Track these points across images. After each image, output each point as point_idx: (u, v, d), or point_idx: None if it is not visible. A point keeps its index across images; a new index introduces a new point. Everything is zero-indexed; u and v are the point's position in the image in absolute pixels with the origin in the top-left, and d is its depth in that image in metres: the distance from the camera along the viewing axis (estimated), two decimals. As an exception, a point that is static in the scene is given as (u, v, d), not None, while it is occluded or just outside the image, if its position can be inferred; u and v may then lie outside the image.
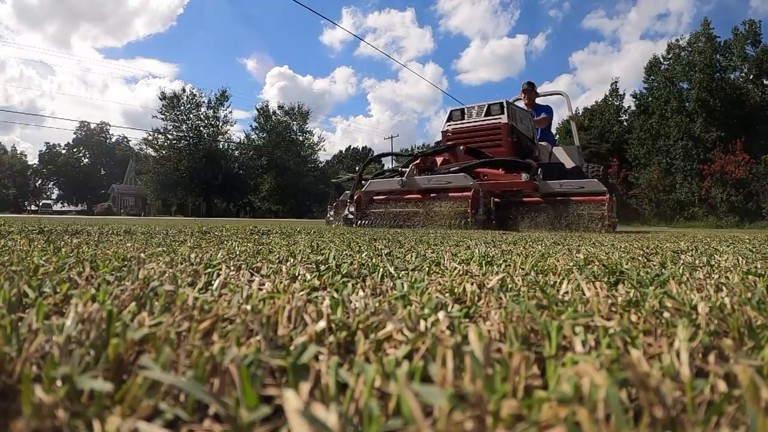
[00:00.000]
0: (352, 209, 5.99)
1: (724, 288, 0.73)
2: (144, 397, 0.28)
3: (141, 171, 37.91)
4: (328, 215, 6.91)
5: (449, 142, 6.26)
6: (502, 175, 5.67)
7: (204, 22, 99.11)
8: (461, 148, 6.06)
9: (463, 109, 6.45)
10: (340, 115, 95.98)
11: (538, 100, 7.44)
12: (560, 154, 7.19)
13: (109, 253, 1.12)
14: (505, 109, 5.98)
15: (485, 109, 6.18)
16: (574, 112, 8.48)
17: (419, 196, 5.60)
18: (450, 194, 5.25)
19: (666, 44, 26.55)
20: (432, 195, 5.47)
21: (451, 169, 5.62)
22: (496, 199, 5.79)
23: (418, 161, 6.08)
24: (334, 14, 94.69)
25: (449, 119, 6.55)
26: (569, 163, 6.96)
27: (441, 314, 0.48)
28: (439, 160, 6.05)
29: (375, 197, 6.09)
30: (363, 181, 6.18)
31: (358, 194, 6.05)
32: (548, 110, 7.23)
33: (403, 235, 2.58)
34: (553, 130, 8.51)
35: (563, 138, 19.96)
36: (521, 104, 7.18)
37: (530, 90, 7.31)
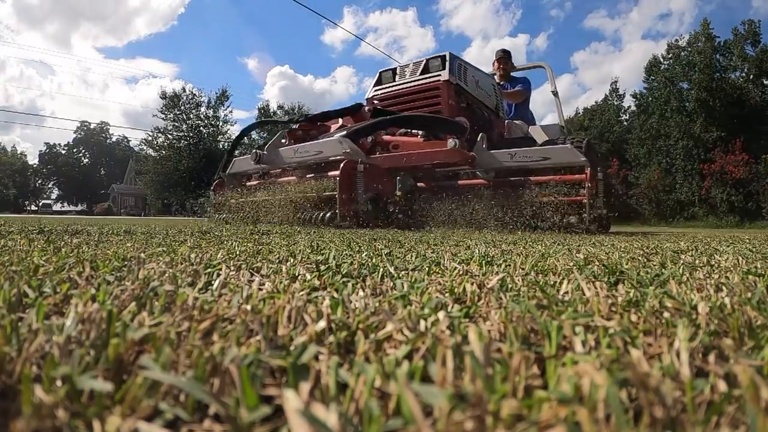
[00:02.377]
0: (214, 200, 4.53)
1: (724, 288, 0.73)
2: (144, 397, 0.28)
3: (141, 171, 37.91)
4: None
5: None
6: (419, 144, 4.01)
7: (205, 22, 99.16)
8: (367, 108, 4.45)
9: (396, 68, 4.81)
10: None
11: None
12: (537, 134, 5.58)
13: (109, 253, 1.12)
14: (448, 63, 4.31)
15: (422, 65, 4.55)
16: (557, 88, 7.04)
17: (294, 177, 4.11)
18: (330, 173, 3.68)
19: (667, 44, 26.55)
20: (309, 175, 3.94)
21: (337, 135, 3.87)
22: (420, 184, 4.27)
23: (296, 128, 4.48)
24: (335, 13, 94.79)
25: (377, 83, 4.90)
26: (543, 140, 5.28)
27: (441, 314, 0.48)
28: (334, 127, 4.47)
29: (249, 182, 4.54)
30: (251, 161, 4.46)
31: (219, 179, 4.71)
32: (525, 82, 5.91)
33: (404, 235, 2.58)
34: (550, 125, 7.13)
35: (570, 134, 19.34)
36: (496, 78, 5.79)
37: (505, 59, 5.96)
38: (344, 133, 3.80)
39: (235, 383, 0.28)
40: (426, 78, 4.48)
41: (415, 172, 4.18)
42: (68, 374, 0.29)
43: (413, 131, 4.26)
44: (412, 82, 4.60)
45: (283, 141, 4.56)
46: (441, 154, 3.68)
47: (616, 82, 31.62)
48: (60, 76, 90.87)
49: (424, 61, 4.59)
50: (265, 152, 4.28)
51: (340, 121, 4.66)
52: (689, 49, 24.57)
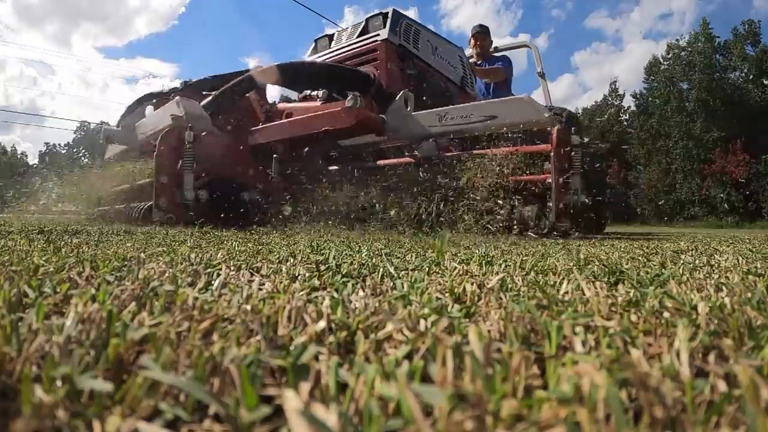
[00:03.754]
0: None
1: (724, 288, 0.73)
2: (144, 397, 0.28)
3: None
4: None
5: None
6: (316, 110, 3.07)
7: (205, 22, 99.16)
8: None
9: (333, 33, 4.07)
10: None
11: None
12: None
13: (109, 253, 1.12)
14: (389, 21, 3.49)
15: (361, 26, 3.76)
16: (543, 69, 6.36)
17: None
18: None
19: (667, 44, 26.56)
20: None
21: (179, 98, 2.96)
22: (334, 167, 3.49)
23: (169, 98, 3.45)
24: (336, 13, 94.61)
25: (312, 52, 4.18)
26: None
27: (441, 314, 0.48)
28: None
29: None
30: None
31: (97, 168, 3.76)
32: (505, 61, 5.19)
33: (405, 235, 2.57)
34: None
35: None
36: (473, 59, 5.10)
37: (482, 35, 5.14)
38: (215, 97, 2.94)
39: (235, 383, 0.28)
40: (364, 39, 3.65)
41: (304, 145, 3.16)
42: (68, 374, 0.29)
43: (312, 94, 3.47)
44: (347, 46, 3.78)
45: (139, 111, 3.75)
46: (328, 118, 2.66)
47: (615, 82, 31.67)
48: (60, 75, 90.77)
49: (364, 21, 3.77)
50: (120, 129, 3.41)
51: None
52: (689, 49, 24.60)
